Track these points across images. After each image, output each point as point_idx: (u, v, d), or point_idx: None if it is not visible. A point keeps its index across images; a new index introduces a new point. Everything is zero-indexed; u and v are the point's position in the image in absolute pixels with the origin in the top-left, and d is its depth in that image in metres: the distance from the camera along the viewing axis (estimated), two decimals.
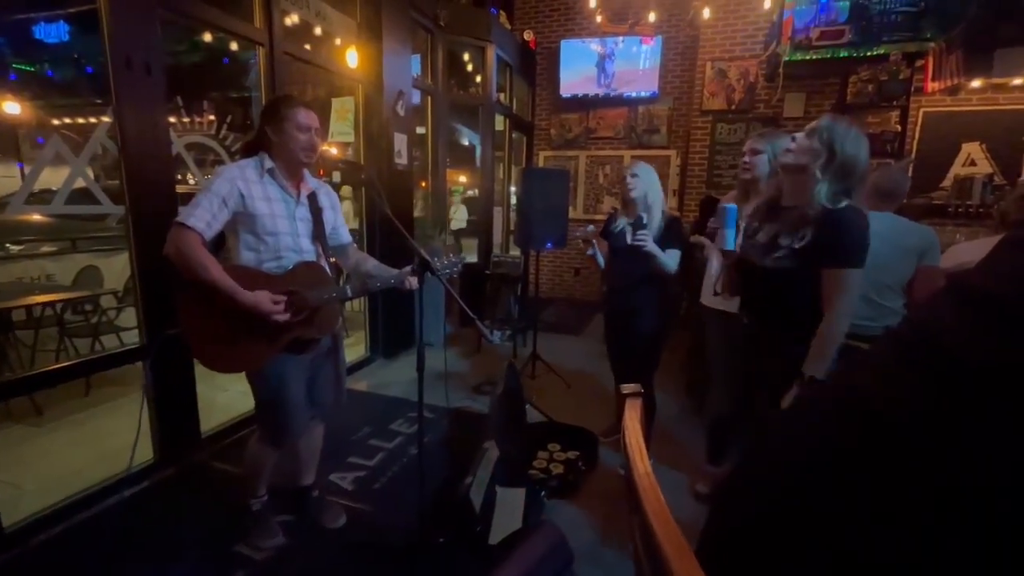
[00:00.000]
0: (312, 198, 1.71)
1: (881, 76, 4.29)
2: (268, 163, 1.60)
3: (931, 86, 4.22)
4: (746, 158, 1.95)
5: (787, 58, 4.30)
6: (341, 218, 1.87)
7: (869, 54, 4.18)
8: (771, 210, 1.56)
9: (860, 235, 1.39)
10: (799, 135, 1.47)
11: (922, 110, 4.38)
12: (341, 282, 1.81)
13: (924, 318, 0.45)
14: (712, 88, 4.99)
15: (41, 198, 2.27)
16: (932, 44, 4.02)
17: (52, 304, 3.23)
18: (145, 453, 2.26)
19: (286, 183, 1.64)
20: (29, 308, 3.19)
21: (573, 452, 2.48)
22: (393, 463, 2.43)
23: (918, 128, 4.46)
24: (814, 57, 4.28)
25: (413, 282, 1.74)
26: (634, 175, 2.28)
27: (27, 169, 1.91)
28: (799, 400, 1.37)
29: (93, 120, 1.98)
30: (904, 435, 0.37)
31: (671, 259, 2.21)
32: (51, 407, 2.83)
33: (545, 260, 6.15)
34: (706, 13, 4.45)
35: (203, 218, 1.47)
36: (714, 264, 2.04)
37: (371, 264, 1.89)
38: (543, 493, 2.13)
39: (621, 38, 5.48)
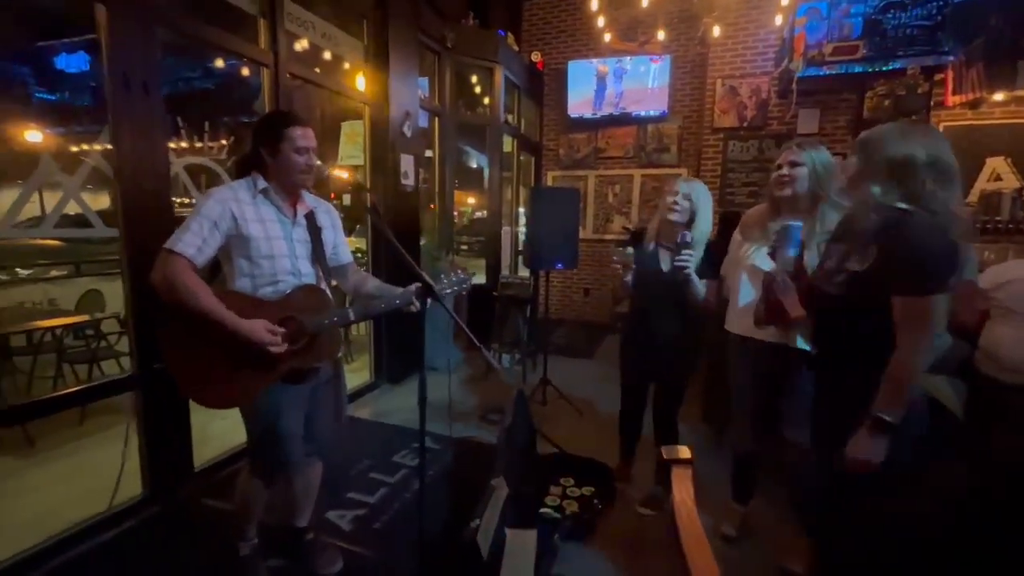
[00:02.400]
0: (310, 217, 1.61)
1: (899, 91, 4.19)
2: (261, 183, 1.51)
3: (952, 100, 4.11)
4: (784, 170, 1.73)
5: (800, 74, 4.23)
6: (342, 236, 1.77)
7: (885, 68, 4.10)
8: (842, 233, 1.40)
9: (936, 250, 1.14)
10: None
11: (943, 124, 4.24)
12: (346, 304, 1.69)
13: None
14: (723, 106, 4.92)
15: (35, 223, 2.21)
16: (951, 57, 3.92)
17: (52, 329, 3.17)
18: (134, 488, 2.14)
19: (282, 204, 1.54)
20: (29, 334, 3.13)
21: (588, 488, 2.31)
22: (395, 499, 2.28)
23: None
24: (828, 72, 4.20)
25: (420, 304, 1.61)
26: (686, 197, 2.02)
27: (46, 194, 1.85)
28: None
29: (97, 147, 1.92)
30: None
31: (703, 287, 2.00)
32: (44, 437, 2.73)
33: (554, 280, 6.03)
34: (716, 31, 4.41)
35: (193, 243, 1.37)
36: (746, 288, 1.86)
37: (373, 284, 1.76)
38: (556, 536, 1.96)
39: (630, 57, 5.46)
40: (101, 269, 4.20)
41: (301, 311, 1.49)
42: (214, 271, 1.52)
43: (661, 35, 4.60)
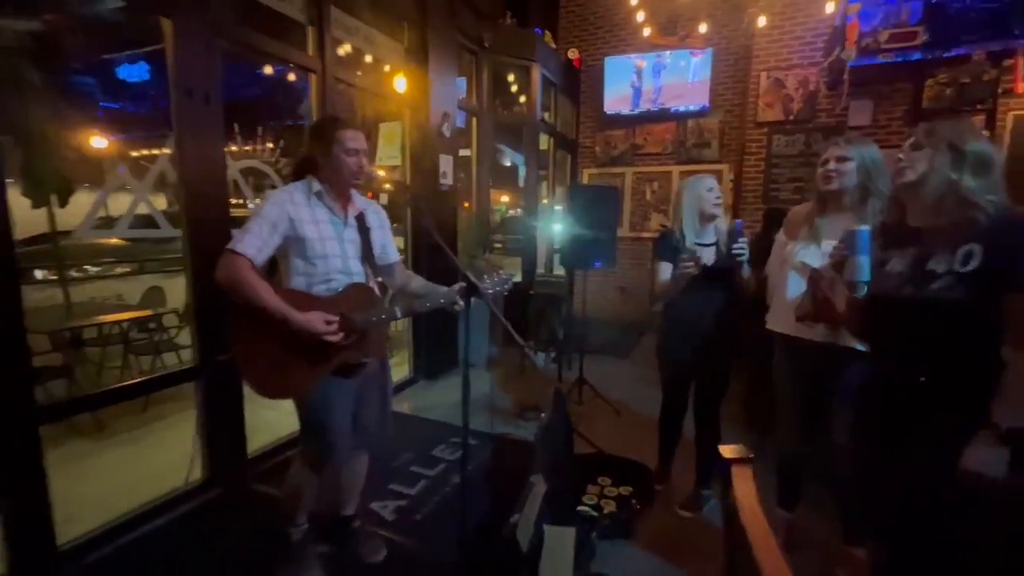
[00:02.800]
0: (360, 218, 1.68)
1: (962, 78, 3.95)
2: (316, 186, 1.58)
3: (1022, 87, 3.82)
4: (831, 165, 1.67)
5: (852, 63, 4.04)
6: (390, 236, 1.83)
7: (947, 55, 3.85)
8: (897, 236, 1.33)
9: None
10: (905, 146, 1.25)
11: (1011, 114, 3.96)
12: (387, 302, 1.76)
13: None
14: (768, 99, 4.76)
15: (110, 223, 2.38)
16: (1022, 42, 3.65)
17: (120, 322, 3.41)
18: (195, 472, 2.29)
19: (334, 205, 1.61)
20: (99, 326, 3.37)
21: (626, 488, 2.30)
22: (435, 492, 2.33)
23: (1008, 133, 4.04)
24: (883, 61, 3.99)
25: (464, 303, 1.65)
26: (720, 197, 2.07)
27: (110, 197, 2.01)
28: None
29: (162, 152, 2.06)
30: None
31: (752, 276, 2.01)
32: (111, 422, 2.94)
33: (590, 279, 5.98)
34: (761, 21, 4.26)
35: (253, 244, 1.46)
36: (795, 286, 1.81)
37: (418, 283, 1.82)
38: (594, 534, 1.97)
39: (669, 52, 5.35)
40: (161, 267, 4.49)
41: (352, 308, 1.56)
42: (270, 270, 1.61)
43: (703, 27, 4.49)
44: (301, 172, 1.63)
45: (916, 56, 3.90)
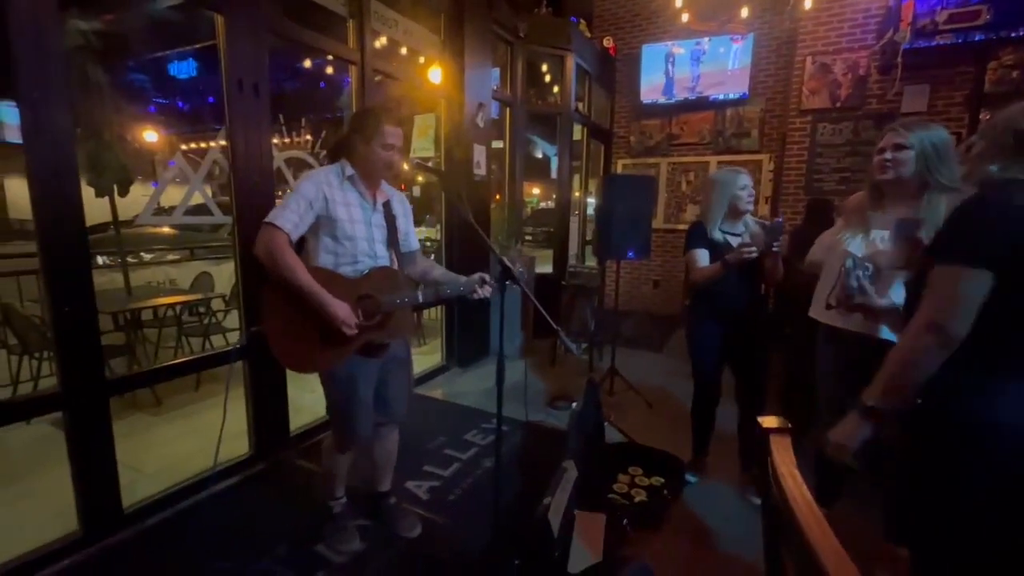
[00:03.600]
0: (387, 206, 1.73)
1: None
2: (349, 170, 1.63)
3: None
4: (887, 155, 1.59)
5: (907, 46, 3.83)
6: (411, 225, 1.89)
7: (1013, 36, 3.60)
8: None
9: (992, 217, 1.00)
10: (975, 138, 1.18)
11: None
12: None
13: None
14: (812, 85, 4.56)
15: (165, 212, 2.54)
16: None
17: (174, 306, 3.62)
18: (242, 447, 2.42)
19: (364, 190, 1.67)
20: (155, 309, 3.59)
21: (657, 478, 2.29)
22: (467, 475, 2.39)
23: None
24: (941, 43, 3.77)
25: (483, 291, 1.69)
26: (752, 195, 2.14)
27: (163, 189, 2.15)
28: None
29: (213, 144, 2.17)
30: None
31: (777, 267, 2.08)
32: (168, 398, 3.14)
33: (623, 271, 5.93)
34: (808, 3, 4.08)
35: (291, 219, 1.52)
36: (832, 272, 1.77)
37: (438, 272, 1.88)
38: (625, 522, 1.98)
39: (708, 39, 5.20)
40: (209, 254, 4.74)
41: (377, 290, 1.62)
42: (298, 246, 1.66)
43: (744, 12, 4.34)
44: (337, 153, 1.69)
45: (978, 37, 3.66)
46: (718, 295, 2.13)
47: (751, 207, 2.13)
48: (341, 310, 1.51)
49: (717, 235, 2.13)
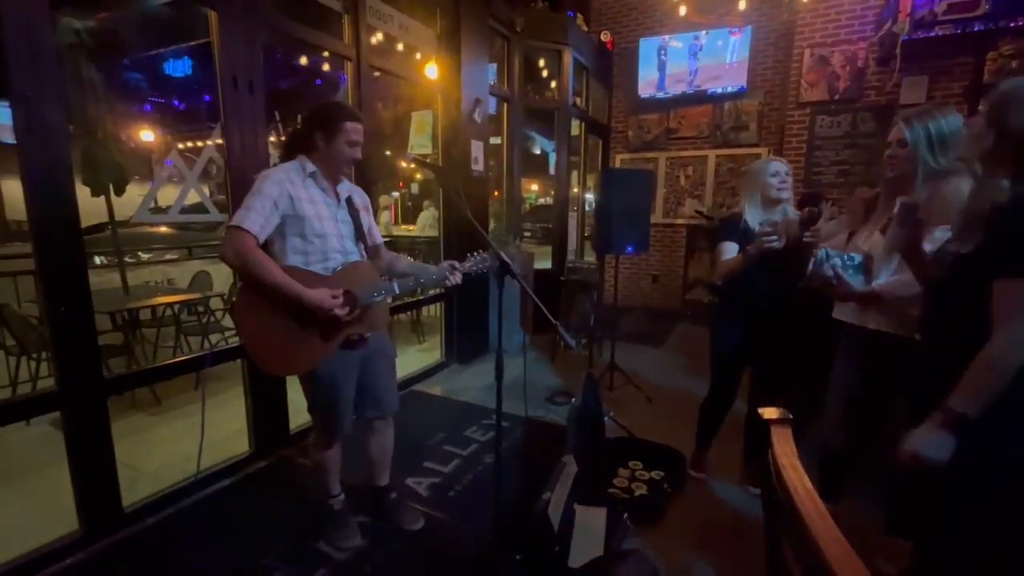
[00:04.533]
0: (349, 201, 1.72)
1: None
2: (310, 167, 1.60)
3: None
4: (889, 151, 1.56)
5: (905, 37, 3.81)
6: (373, 219, 1.88)
7: (1012, 26, 3.58)
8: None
9: None
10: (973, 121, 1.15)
11: None
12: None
13: None
14: (811, 77, 4.55)
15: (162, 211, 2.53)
16: None
17: (172, 305, 3.61)
18: (242, 445, 2.42)
19: (327, 186, 1.65)
20: (153, 308, 3.58)
21: (657, 472, 2.30)
22: (467, 471, 2.39)
23: None
24: (940, 33, 3.75)
25: (455, 278, 1.71)
26: (789, 173, 2.02)
27: (159, 189, 2.13)
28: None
29: (209, 142, 2.15)
30: None
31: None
32: (167, 398, 3.14)
33: (622, 266, 5.92)
34: None
35: (257, 221, 1.46)
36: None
37: (404, 263, 1.88)
38: (625, 515, 1.98)
39: (705, 32, 5.18)
40: (207, 253, 4.73)
41: (351, 285, 1.60)
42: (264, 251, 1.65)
43: (742, 4, 4.31)
44: (293, 150, 1.64)
45: (977, 27, 3.64)
46: (744, 293, 2.06)
47: (785, 195, 2.01)
48: (318, 296, 1.48)
49: (753, 226, 2.03)
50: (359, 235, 1.72)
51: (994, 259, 1.06)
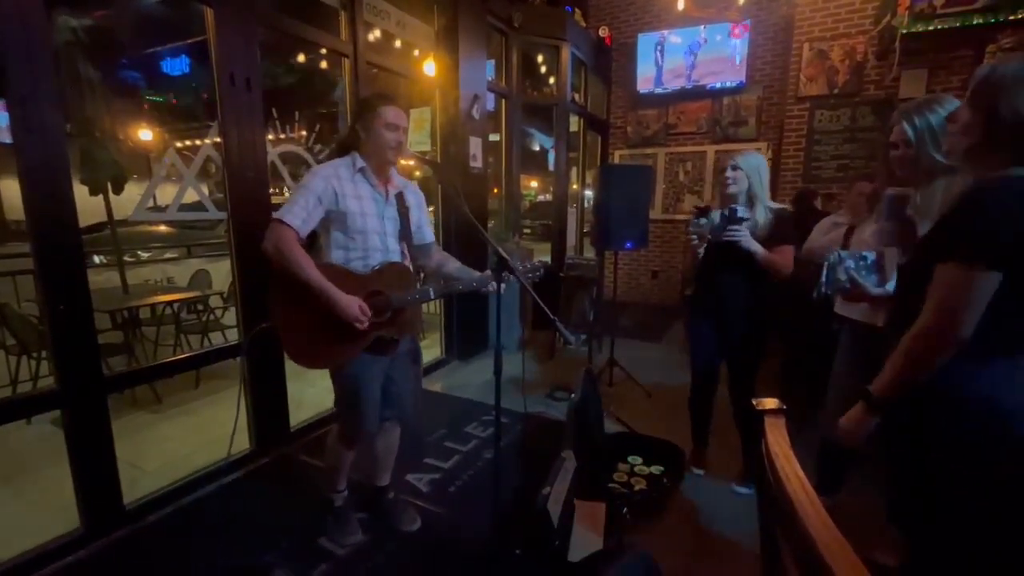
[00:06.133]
0: (400, 197, 1.71)
1: None
2: (360, 162, 1.62)
3: None
4: (892, 152, 1.53)
5: (904, 31, 3.80)
6: (426, 217, 1.86)
7: (1012, 17, 3.57)
8: None
9: (1002, 215, 0.92)
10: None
11: None
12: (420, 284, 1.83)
13: None
14: (810, 72, 4.53)
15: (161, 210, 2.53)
16: None
17: (172, 303, 3.62)
18: (243, 443, 2.43)
19: (376, 182, 1.65)
20: (153, 307, 3.58)
21: (656, 467, 2.30)
22: (468, 467, 2.40)
23: None
24: (939, 27, 3.74)
25: (493, 287, 1.67)
26: (735, 168, 2.01)
27: (158, 188, 2.13)
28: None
29: (207, 140, 2.15)
30: None
31: (783, 256, 1.95)
32: (168, 396, 3.15)
33: (622, 262, 5.93)
34: None
35: (299, 215, 1.51)
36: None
37: (454, 266, 1.85)
38: (625, 511, 1.99)
39: (704, 26, 5.16)
40: (206, 251, 4.73)
41: (387, 286, 1.61)
42: (310, 242, 1.65)
43: None
44: (344, 148, 1.67)
45: (977, 20, 3.63)
46: (708, 290, 2.13)
47: (732, 190, 2.00)
48: (351, 307, 1.51)
49: (714, 220, 2.07)
50: (404, 233, 1.71)
51: (939, 242, 1.03)
